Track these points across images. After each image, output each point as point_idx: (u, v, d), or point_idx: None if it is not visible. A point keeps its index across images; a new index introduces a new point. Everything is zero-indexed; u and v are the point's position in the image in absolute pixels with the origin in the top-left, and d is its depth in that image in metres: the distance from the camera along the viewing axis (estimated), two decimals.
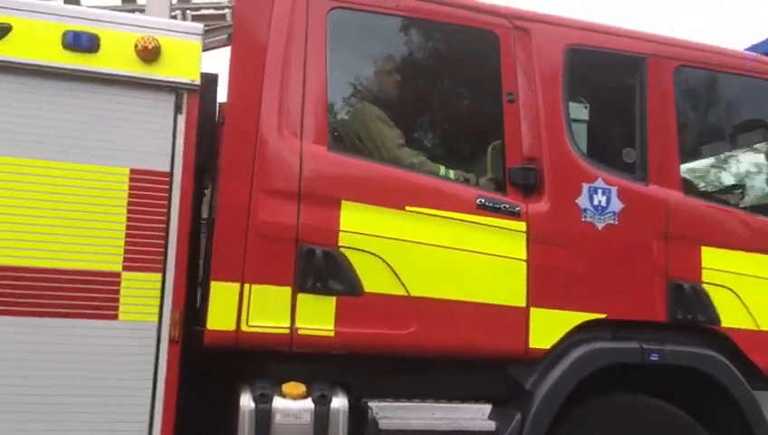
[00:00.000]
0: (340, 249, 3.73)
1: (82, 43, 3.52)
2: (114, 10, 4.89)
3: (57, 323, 3.44)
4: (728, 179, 5.15)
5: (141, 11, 4.56)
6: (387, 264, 3.77)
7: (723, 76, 4.62)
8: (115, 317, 3.51)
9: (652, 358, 4.12)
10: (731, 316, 4.27)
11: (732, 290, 4.29)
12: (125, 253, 3.53)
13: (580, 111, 4.27)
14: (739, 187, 4.91)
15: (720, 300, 4.26)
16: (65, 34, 3.51)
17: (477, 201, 3.95)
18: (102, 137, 3.55)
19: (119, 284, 3.52)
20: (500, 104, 4.11)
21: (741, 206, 4.68)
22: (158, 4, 4.46)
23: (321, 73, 3.88)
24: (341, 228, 3.75)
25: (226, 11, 4.54)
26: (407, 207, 3.85)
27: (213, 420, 3.75)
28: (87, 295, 3.48)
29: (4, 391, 3.35)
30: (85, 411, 3.42)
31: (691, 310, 4.21)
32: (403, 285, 3.79)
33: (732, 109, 4.95)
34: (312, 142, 3.80)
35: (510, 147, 4.08)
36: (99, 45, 3.53)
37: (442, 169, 4.10)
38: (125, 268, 3.52)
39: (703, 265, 4.27)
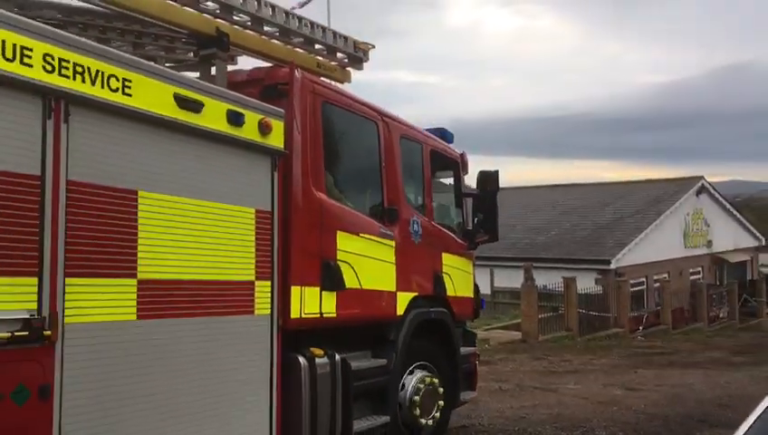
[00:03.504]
0: (337, 262, 6.16)
1: (237, 120, 5.11)
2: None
3: (217, 320, 5.02)
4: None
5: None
6: (353, 269, 6.35)
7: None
8: (252, 312, 5.27)
9: (432, 316, 7.67)
10: (449, 290, 8.11)
11: (449, 275, 8.14)
12: (256, 267, 5.29)
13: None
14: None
15: (447, 281, 8.05)
16: (228, 113, 5.05)
17: (380, 230, 6.82)
18: (238, 187, 5.20)
19: (253, 289, 5.28)
20: (379, 168, 7.01)
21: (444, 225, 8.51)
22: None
23: (319, 147, 6.14)
24: (338, 248, 6.17)
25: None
26: (360, 234, 6.49)
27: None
28: (235, 299, 5.15)
29: (189, 375, 4.81)
30: (227, 374, 5.12)
31: (439, 287, 7.90)
32: (359, 282, 6.42)
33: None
34: (321, 193, 6.08)
35: (385, 195, 7.02)
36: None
37: (350, 205, 6.74)
38: (257, 278, 5.30)
39: (443, 261, 8.01)
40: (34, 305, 3.77)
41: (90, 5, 5.38)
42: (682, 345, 23.61)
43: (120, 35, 5.83)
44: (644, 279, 31.54)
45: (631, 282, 29.30)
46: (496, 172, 8.65)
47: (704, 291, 32.69)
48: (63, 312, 3.91)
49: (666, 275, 32.32)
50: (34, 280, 3.78)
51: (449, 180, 9.03)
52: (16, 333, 3.67)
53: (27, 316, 3.73)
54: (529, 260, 24.83)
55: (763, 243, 43.48)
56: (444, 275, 8.03)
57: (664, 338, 26.40)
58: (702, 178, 37.49)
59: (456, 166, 8.88)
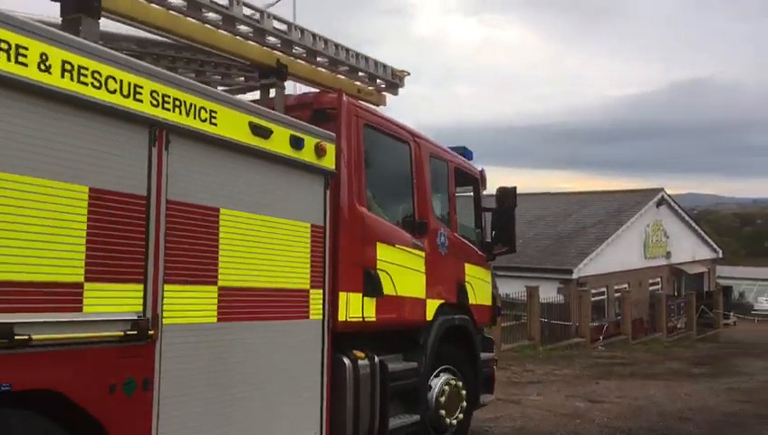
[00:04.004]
0: (377, 270, 6.77)
1: (298, 144, 5.72)
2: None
3: (279, 324, 5.63)
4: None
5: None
6: (390, 277, 6.96)
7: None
8: (307, 316, 5.88)
9: (457, 322, 8.28)
10: (470, 298, 8.73)
11: (470, 285, 8.76)
12: (310, 276, 5.91)
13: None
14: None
15: (469, 289, 8.68)
16: (291, 138, 5.67)
17: (412, 241, 7.44)
18: (298, 204, 5.82)
19: (308, 296, 5.89)
20: (411, 184, 7.63)
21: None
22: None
23: (361, 166, 6.76)
24: (378, 258, 6.79)
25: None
26: (396, 245, 7.11)
27: None
28: (294, 305, 5.76)
29: (256, 370, 5.41)
30: (287, 371, 5.72)
31: (463, 296, 8.52)
32: (395, 289, 7.03)
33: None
34: (363, 207, 6.70)
35: (416, 210, 7.64)
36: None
37: (386, 218, 7.36)
38: (311, 287, 5.91)
39: (466, 271, 8.63)
40: (140, 308, 4.38)
41: (161, 38, 5.98)
42: (642, 356, 24.01)
43: (187, 64, 6.45)
44: (605, 289, 32.19)
45: (592, 292, 29.84)
46: (514, 189, 9.30)
47: (663, 302, 33.52)
48: (162, 314, 4.52)
49: (626, 286, 33.08)
50: (140, 286, 4.39)
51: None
52: (127, 332, 4.27)
53: (135, 318, 4.34)
54: (492, 269, 25.11)
55: (721, 255, 45.01)
56: (466, 284, 8.65)
57: (624, 348, 26.88)
58: (662, 189, 38.34)
59: (477, 182, 9.51)
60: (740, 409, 12.67)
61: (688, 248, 40.18)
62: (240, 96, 6.66)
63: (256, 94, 6.94)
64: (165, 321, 4.54)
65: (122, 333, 4.24)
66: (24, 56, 3.72)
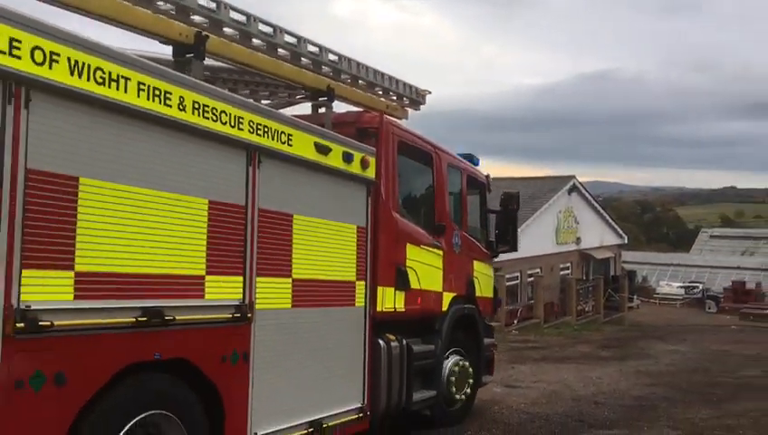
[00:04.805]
0: (406, 267, 7.95)
1: (349, 159, 6.87)
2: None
3: (333, 310, 6.80)
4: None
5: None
6: (416, 273, 8.14)
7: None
8: (353, 304, 7.05)
9: (466, 312, 9.50)
10: (477, 291, 9.95)
11: (477, 279, 9.98)
12: (356, 270, 7.07)
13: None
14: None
15: (476, 283, 9.90)
16: (343, 154, 6.82)
17: (432, 241, 8.63)
18: (347, 209, 6.98)
19: (354, 287, 7.06)
20: (433, 191, 8.82)
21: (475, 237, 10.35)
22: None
23: (395, 176, 7.92)
24: (407, 257, 7.97)
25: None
26: (421, 245, 8.29)
27: None
28: (344, 294, 6.93)
29: (317, 348, 6.57)
30: (339, 349, 6.90)
31: (471, 289, 9.74)
32: (419, 283, 8.22)
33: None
34: (396, 212, 7.86)
35: (437, 213, 8.82)
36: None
37: (412, 221, 8.53)
38: (357, 279, 7.08)
39: (474, 267, 9.85)
40: (241, 296, 5.52)
41: (227, 65, 7.06)
42: (553, 339, 24.77)
43: (245, 85, 7.56)
44: (518, 274, 32.94)
45: (507, 277, 30.34)
46: (517, 193, 10.53)
47: (573, 286, 34.64)
48: (255, 301, 5.66)
49: (539, 271, 34.22)
50: (241, 278, 5.53)
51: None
52: (234, 315, 5.42)
53: (238, 303, 5.47)
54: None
55: (626, 241, 47.11)
56: (474, 278, 9.87)
57: (536, 332, 27.79)
58: (573, 177, 39.56)
59: (483, 186, 10.72)
60: (649, 392, 13.20)
61: (596, 234, 41.63)
62: (283, 110, 7.82)
63: (297, 108, 8.15)
64: (257, 306, 5.68)
65: (231, 316, 5.39)
66: (169, 99, 4.84)
